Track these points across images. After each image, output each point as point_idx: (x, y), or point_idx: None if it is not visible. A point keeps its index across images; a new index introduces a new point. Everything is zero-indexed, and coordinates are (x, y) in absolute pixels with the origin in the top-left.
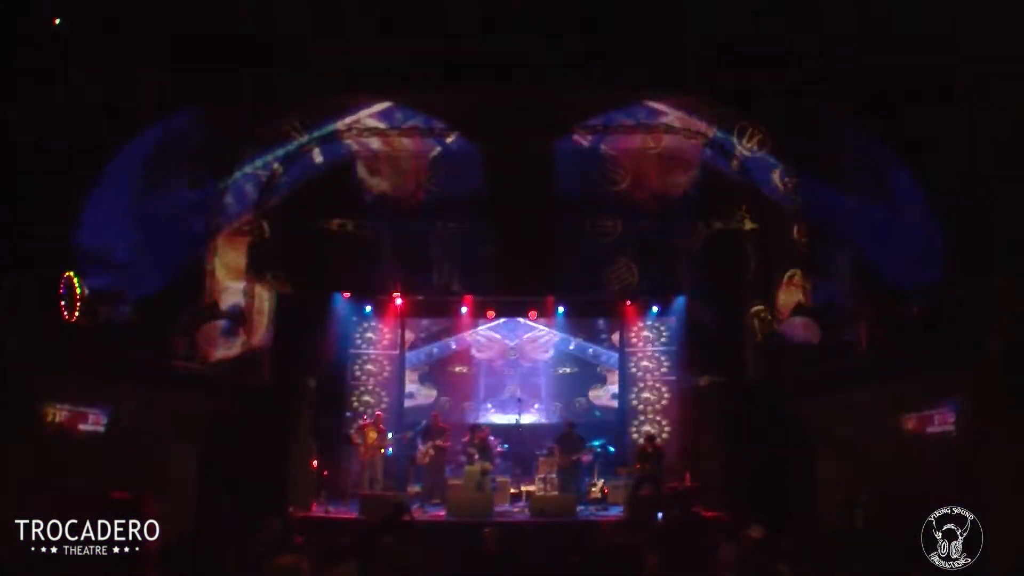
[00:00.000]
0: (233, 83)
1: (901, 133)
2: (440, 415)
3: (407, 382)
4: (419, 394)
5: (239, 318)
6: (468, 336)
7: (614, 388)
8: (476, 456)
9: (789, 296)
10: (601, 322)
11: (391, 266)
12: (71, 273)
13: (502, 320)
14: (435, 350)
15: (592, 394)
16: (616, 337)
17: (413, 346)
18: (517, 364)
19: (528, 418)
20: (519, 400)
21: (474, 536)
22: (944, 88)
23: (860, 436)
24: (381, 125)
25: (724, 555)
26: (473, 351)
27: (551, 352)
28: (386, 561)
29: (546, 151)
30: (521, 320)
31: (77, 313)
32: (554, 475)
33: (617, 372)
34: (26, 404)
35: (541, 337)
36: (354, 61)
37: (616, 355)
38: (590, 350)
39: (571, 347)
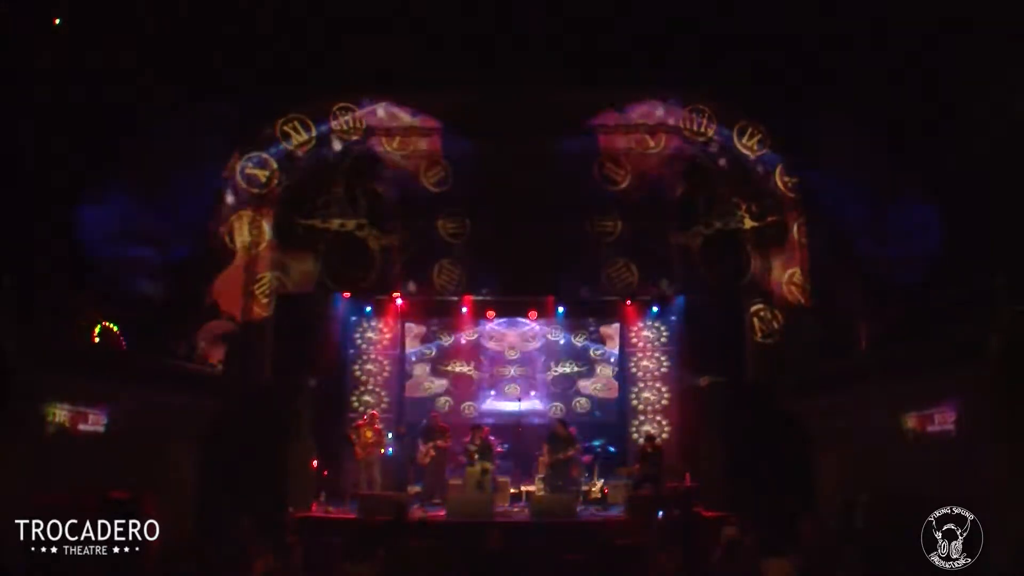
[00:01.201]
0: (234, 82)
1: (901, 133)
2: (440, 415)
3: (417, 374)
4: (433, 385)
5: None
6: (475, 330)
7: (603, 380)
8: (476, 456)
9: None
10: (576, 321)
11: (391, 266)
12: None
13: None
14: (446, 343)
15: (582, 383)
16: (604, 330)
17: (426, 340)
18: (516, 356)
19: (528, 404)
20: (518, 400)
21: (476, 536)
22: (945, 88)
23: (860, 436)
24: (381, 126)
25: (711, 555)
26: (480, 341)
27: (541, 344)
28: (412, 561)
29: (546, 151)
30: (519, 319)
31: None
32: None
33: (607, 363)
34: (26, 404)
35: (532, 331)
36: (354, 61)
37: (603, 347)
38: (579, 344)
39: (561, 342)
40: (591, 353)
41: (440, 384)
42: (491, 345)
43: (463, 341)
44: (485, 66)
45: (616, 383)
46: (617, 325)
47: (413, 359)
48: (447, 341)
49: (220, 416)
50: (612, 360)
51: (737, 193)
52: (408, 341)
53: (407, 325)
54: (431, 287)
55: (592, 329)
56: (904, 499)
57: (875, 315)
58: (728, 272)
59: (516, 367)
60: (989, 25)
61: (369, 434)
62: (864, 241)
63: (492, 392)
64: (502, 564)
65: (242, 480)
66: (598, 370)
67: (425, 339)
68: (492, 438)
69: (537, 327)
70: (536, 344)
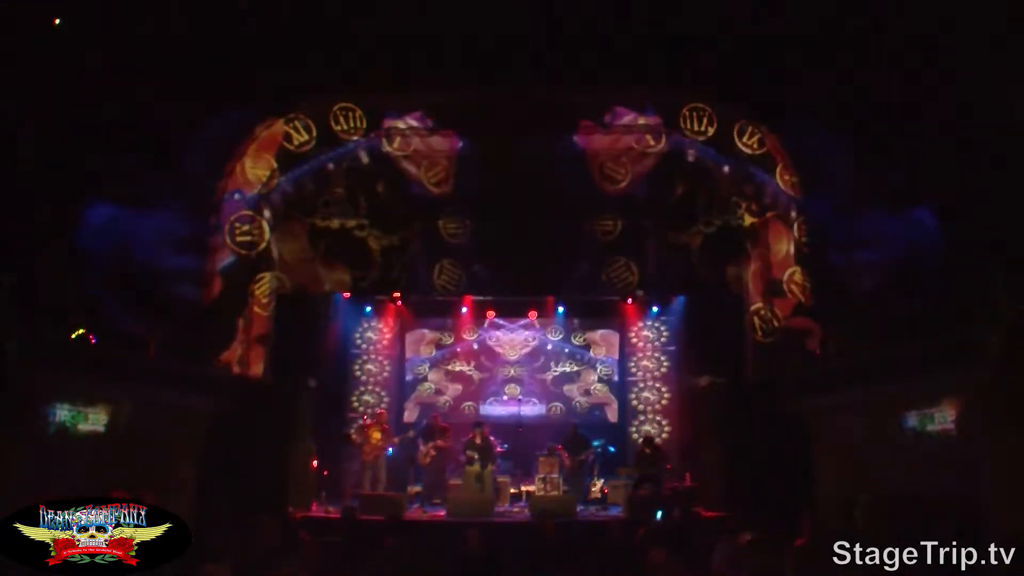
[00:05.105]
0: (234, 83)
1: (901, 132)
2: (440, 415)
3: (432, 380)
4: (447, 391)
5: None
6: (476, 330)
7: (588, 385)
8: (476, 458)
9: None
10: (576, 321)
11: (391, 266)
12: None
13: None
14: (446, 343)
15: (567, 387)
16: (584, 337)
17: (440, 345)
18: (516, 357)
19: (528, 410)
20: (519, 400)
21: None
22: (945, 88)
23: (860, 436)
24: (383, 126)
25: (718, 557)
26: (480, 341)
27: (536, 352)
28: (388, 562)
29: (546, 151)
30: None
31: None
32: (555, 475)
33: (591, 369)
34: (26, 404)
35: (525, 339)
36: (354, 61)
37: (587, 352)
38: (566, 349)
39: (548, 347)
40: (586, 356)
41: (441, 385)
42: (491, 345)
43: (463, 341)
44: (485, 66)
45: (613, 398)
46: (608, 331)
47: (417, 363)
48: (447, 341)
49: (220, 416)
50: (607, 364)
51: (737, 192)
52: (409, 347)
53: (407, 334)
54: (431, 287)
55: (574, 334)
56: (904, 499)
57: (874, 315)
58: (728, 272)
59: (516, 367)
60: (989, 24)
61: (377, 435)
62: (864, 240)
63: (491, 399)
64: (486, 565)
65: (242, 480)
66: (581, 378)
67: (425, 343)
68: (492, 438)
69: (536, 327)
70: (535, 344)
